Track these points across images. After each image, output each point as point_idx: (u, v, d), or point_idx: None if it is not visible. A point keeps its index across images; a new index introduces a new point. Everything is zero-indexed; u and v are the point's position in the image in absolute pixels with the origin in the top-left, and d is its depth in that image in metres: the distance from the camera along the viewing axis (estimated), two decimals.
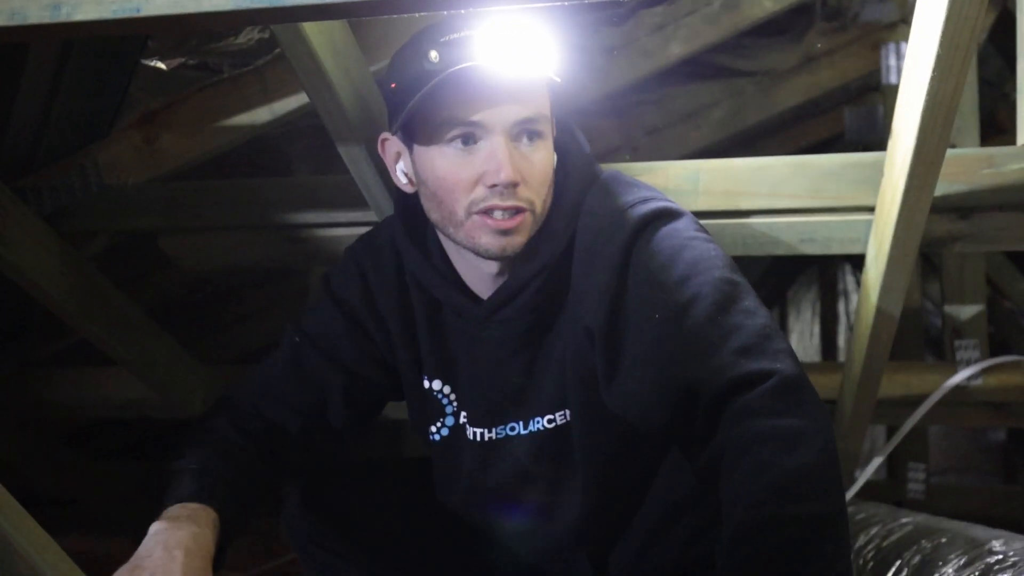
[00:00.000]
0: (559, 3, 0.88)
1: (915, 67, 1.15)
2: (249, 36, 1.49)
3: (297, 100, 1.57)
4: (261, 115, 1.61)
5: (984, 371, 1.98)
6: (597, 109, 2.40)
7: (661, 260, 1.06)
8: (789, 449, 0.91)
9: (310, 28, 1.16)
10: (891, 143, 1.32)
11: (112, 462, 2.77)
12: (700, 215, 1.48)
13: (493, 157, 1.05)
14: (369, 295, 1.23)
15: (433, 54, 1.05)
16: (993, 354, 2.08)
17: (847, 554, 0.91)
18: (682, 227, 1.10)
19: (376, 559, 1.29)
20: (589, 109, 2.34)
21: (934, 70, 1.07)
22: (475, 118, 1.05)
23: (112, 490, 2.54)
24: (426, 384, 1.24)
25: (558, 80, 1.08)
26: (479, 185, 1.06)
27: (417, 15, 1.51)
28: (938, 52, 1.05)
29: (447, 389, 1.23)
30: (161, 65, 1.53)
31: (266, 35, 1.48)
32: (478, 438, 1.20)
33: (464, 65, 1.03)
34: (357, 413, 1.26)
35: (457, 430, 1.23)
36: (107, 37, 1.43)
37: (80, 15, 0.89)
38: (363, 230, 1.64)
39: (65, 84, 1.49)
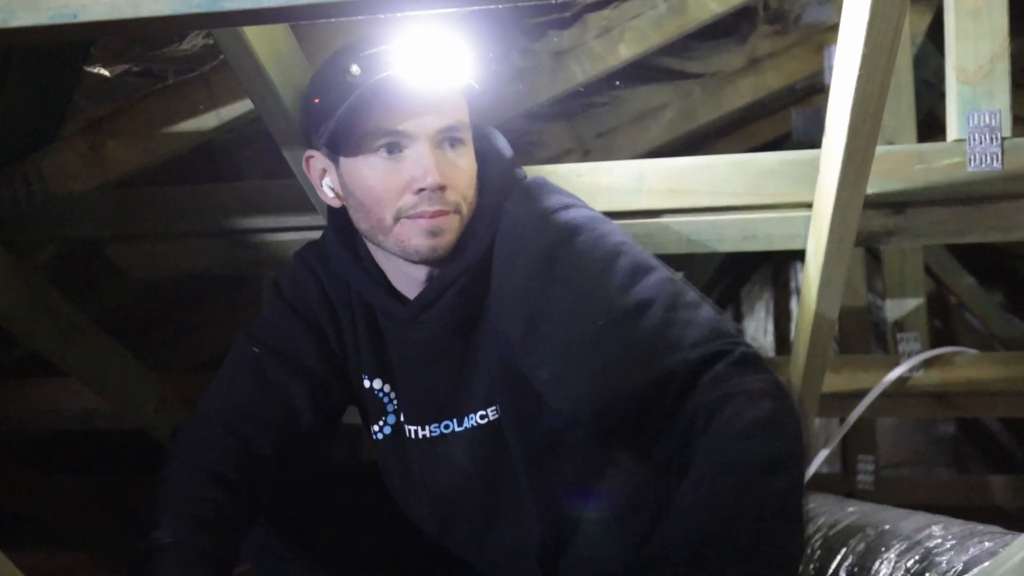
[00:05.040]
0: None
1: (843, 67, 1.19)
2: (193, 42, 1.49)
3: (244, 106, 1.58)
4: (208, 121, 1.61)
5: (926, 363, 2.04)
6: (547, 112, 2.42)
7: (596, 267, 1.08)
8: (756, 402, 0.97)
9: (252, 33, 1.17)
10: (824, 141, 1.36)
11: (65, 476, 2.73)
12: (645, 213, 1.50)
13: (420, 163, 1.08)
14: (324, 293, 1.25)
15: (355, 68, 1.08)
16: (940, 347, 2.14)
17: (799, 490, 0.95)
18: (609, 232, 1.12)
19: (330, 568, 1.29)
20: (539, 112, 2.36)
21: (860, 69, 1.11)
22: (400, 127, 1.09)
23: (66, 504, 2.51)
24: (367, 383, 1.25)
25: (476, 87, 1.12)
26: (407, 192, 1.09)
27: (360, 19, 1.53)
28: (863, 51, 1.09)
29: (387, 388, 1.25)
30: (105, 72, 1.52)
31: (211, 41, 1.48)
32: (416, 436, 1.23)
33: (386, 74, 1.06)
34: (323, 418, 1.26)
35: (399, 428, 1.25)
36: (49, 44, 1.42)
37: (16, 21, 0.89)
38: (312, 234, 1.65)
39: (6, 93, 1.47)
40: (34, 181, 1.64)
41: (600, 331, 1.05)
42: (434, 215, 1.09)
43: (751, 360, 1.02)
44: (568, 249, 1.09)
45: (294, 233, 1.66)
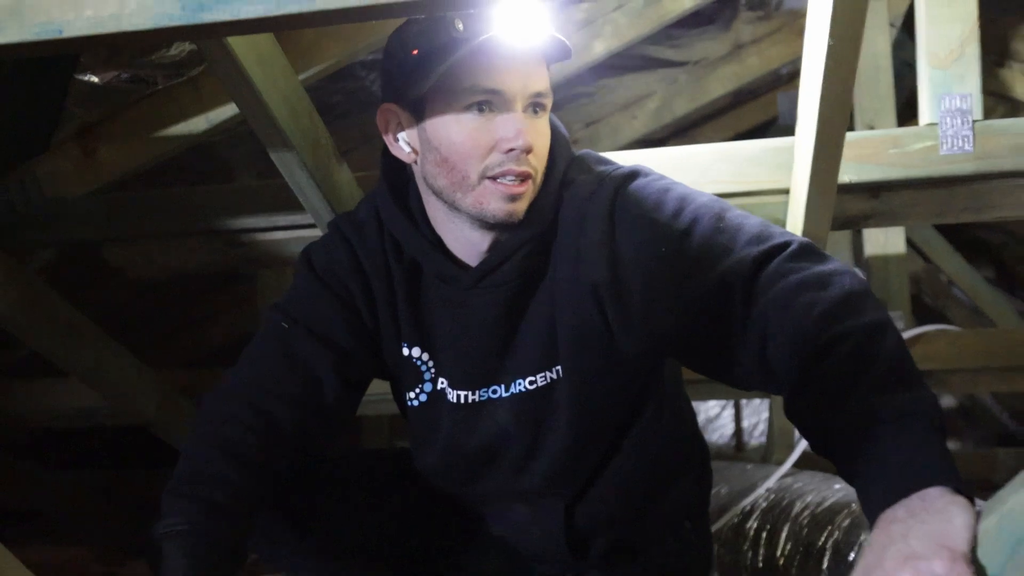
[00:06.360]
0: None
1: (811, 55, 1.22)
2: (180, 48, 1.52)
3: (233, 108, 1.61)
4: (198, 124, 1.65)
5: (909, 342, 2.07)
6: None
7: (649, 204, 1.14)
8: (824, 286, 0.99)
9: (234, 40, 1.20)
10: (798, 129, 1.39)
11: (69, 471, 2.77)
12: None
13: (512, 124, 1.11)
14: (356, 261, 1.25)
15: (459, 23, 1.10)
16: (929, 324, 2.17)
17: (906, 349, 0.96)
18: (657, 178, 1.19)
19: (335, 555, 1.30)
20: None
21: (827, 59, 1.14)
22: (497, 87, 1.11)
23: (70, 499, 2.54)
24: (405, 351, 1.27)
25: (570, 49, 1.15)
26: (494, 151, 1.12)
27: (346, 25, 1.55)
28: (829, 43, 1.12)
29: (425, 356, 1.27)
30: (94, 79, 1.55)
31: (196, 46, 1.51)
32: (461, 400, 1.25)
33: (492, 34, 1.08)
34: (347, 395, 1.27)
35: (435, 395, 1.27)
36: (36, 57, 1.45)
37: (3, 38, 0.91)
38: (304, 233, 1.69)
39: None
40: (30, 186, 1.67)
41: (664, 257, 1.10)
42: (519, 175, 1.13)
43: (809, 250, 1.04)
44: (625, 195, 1.15)
45: (286, 232, 1.69)
